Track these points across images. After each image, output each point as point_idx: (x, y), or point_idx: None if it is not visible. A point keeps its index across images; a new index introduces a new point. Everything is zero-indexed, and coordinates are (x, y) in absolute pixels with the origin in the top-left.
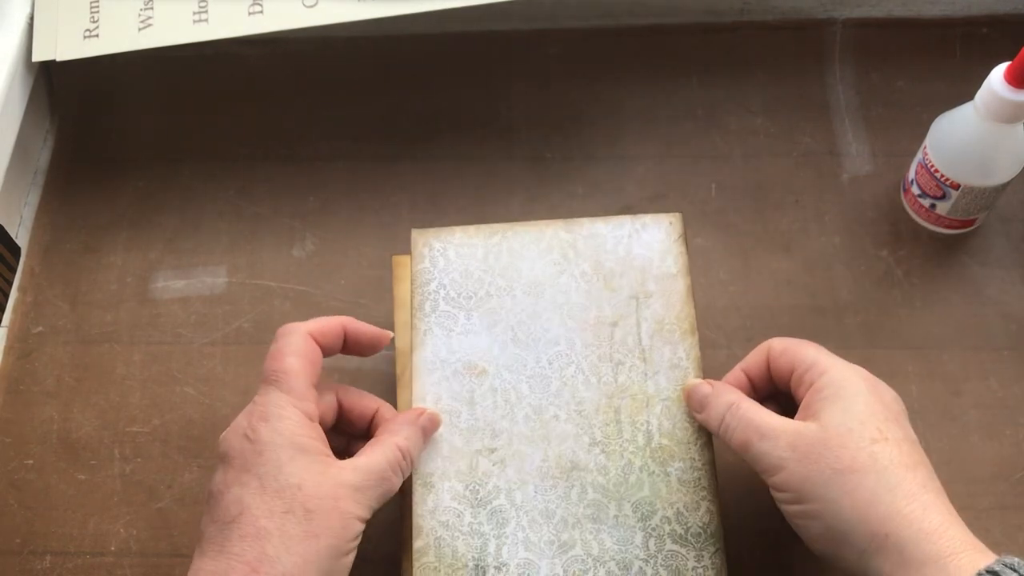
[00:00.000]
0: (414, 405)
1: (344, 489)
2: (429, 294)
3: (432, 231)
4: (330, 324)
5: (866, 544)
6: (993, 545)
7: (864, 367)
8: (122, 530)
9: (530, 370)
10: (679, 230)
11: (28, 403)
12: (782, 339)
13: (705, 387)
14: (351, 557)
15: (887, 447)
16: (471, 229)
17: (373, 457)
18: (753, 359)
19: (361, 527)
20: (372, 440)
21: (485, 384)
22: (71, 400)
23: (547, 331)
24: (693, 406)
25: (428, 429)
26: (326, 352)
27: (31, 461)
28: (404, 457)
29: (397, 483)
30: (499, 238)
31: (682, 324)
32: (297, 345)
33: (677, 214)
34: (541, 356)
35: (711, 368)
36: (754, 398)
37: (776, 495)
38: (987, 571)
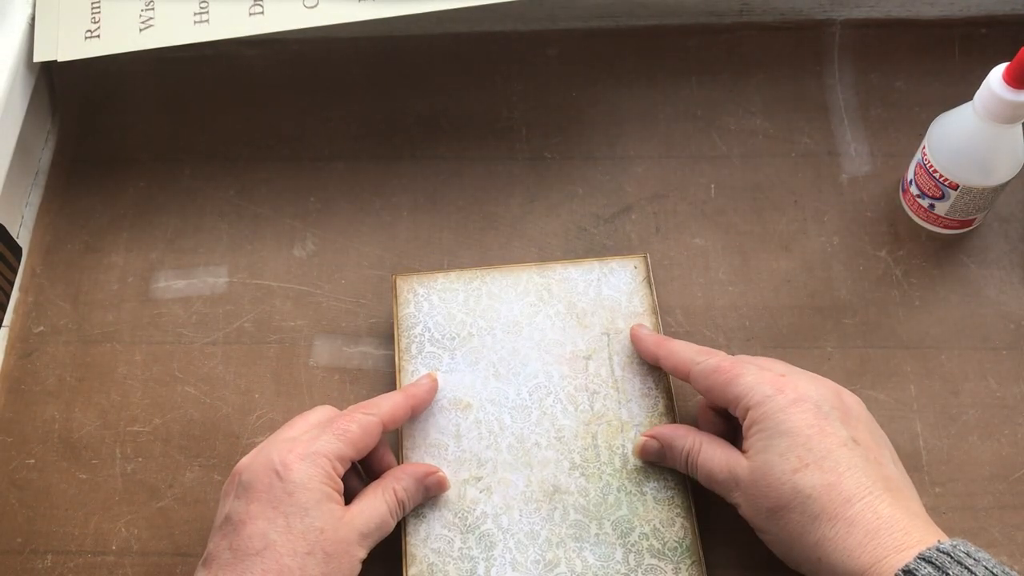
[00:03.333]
0: (404, 442)
1: (355, 535)
2: (415, 337)
3: (415, 277)
4: (402, 413)
5: (809, 567)
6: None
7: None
8: (123, 529)
9: (512, 402)
10: (644, 272)
11: (29, 403)
12: (731, 364)
13: (652, 444)
14: None
15: (807, 474)
16: (452, 275)
17: (376, 503)
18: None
19: (360, 567)
20: (376, 484)
21: (470, 417)
22: (72, 400)
23: (526, 365)
24: (652, 460)
25: (432, 490)
26: (386, 430)
27: (32, 460)
28: (400, 506)
29: (393, 525)
30: (478, 283)
31: None
32: (367, 424)
33: (642, 256)
34: (521, 388)
35: None
36: (722, 425)
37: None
38: (903, 571)
